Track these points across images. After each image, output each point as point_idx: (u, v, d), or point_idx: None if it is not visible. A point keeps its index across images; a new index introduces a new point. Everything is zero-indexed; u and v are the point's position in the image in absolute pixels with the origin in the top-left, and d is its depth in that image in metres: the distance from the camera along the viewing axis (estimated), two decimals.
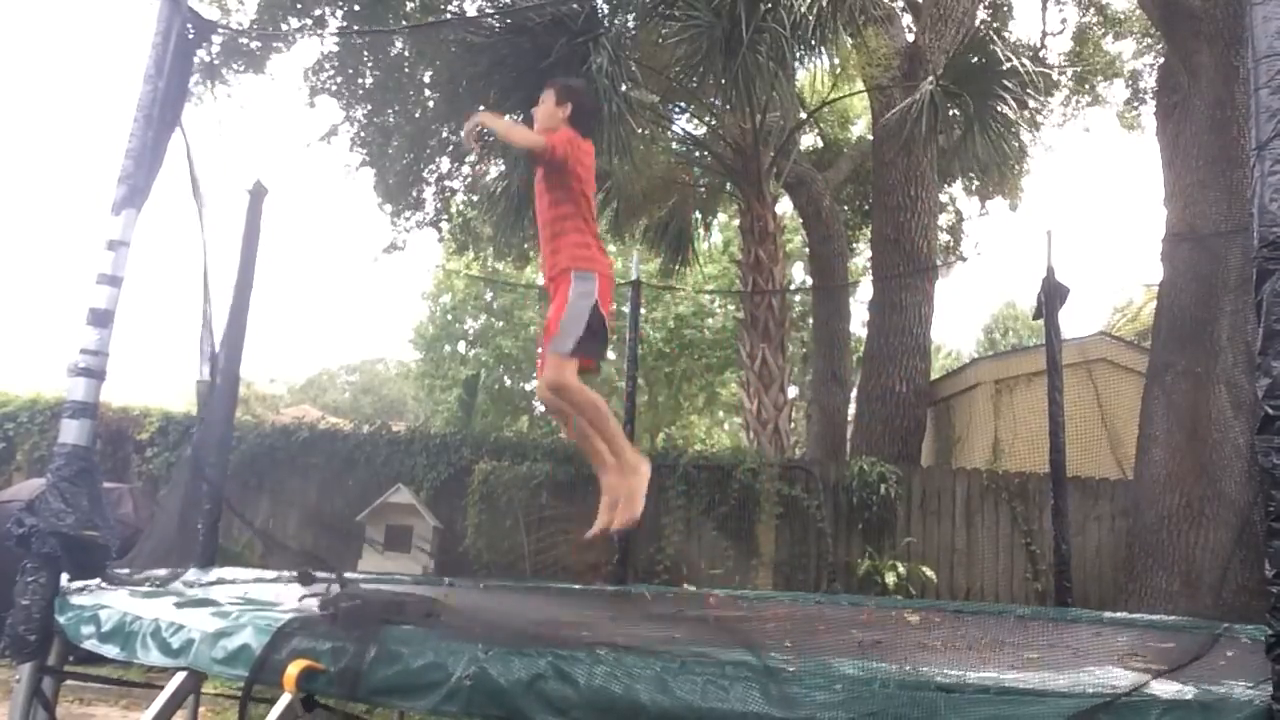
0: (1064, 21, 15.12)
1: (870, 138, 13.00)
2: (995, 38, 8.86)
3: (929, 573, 7.98)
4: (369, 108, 11.37)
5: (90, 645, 2.39)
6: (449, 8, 10.65)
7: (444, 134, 11.25)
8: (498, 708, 1.78)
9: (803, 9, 8.16)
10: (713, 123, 11.61)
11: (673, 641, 2.42)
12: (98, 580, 2.68)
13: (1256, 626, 3.22)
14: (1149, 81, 14.11)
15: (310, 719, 2.02)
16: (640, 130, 9.13)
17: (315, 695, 2.00)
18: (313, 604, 2.21)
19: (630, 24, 9.39)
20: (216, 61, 10.31)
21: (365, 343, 74.69)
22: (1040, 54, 14.23)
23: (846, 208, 15.64)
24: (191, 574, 3.51)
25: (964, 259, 18.42)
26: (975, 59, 8.66)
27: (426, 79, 11.07)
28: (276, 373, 36.50)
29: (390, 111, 11.22)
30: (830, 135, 16.00)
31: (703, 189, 12.67)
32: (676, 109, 11.74)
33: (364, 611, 2.07)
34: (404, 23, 10.06)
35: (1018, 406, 10.16)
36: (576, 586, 5.48)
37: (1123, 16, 14.52)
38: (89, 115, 69.84)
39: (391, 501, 7.88)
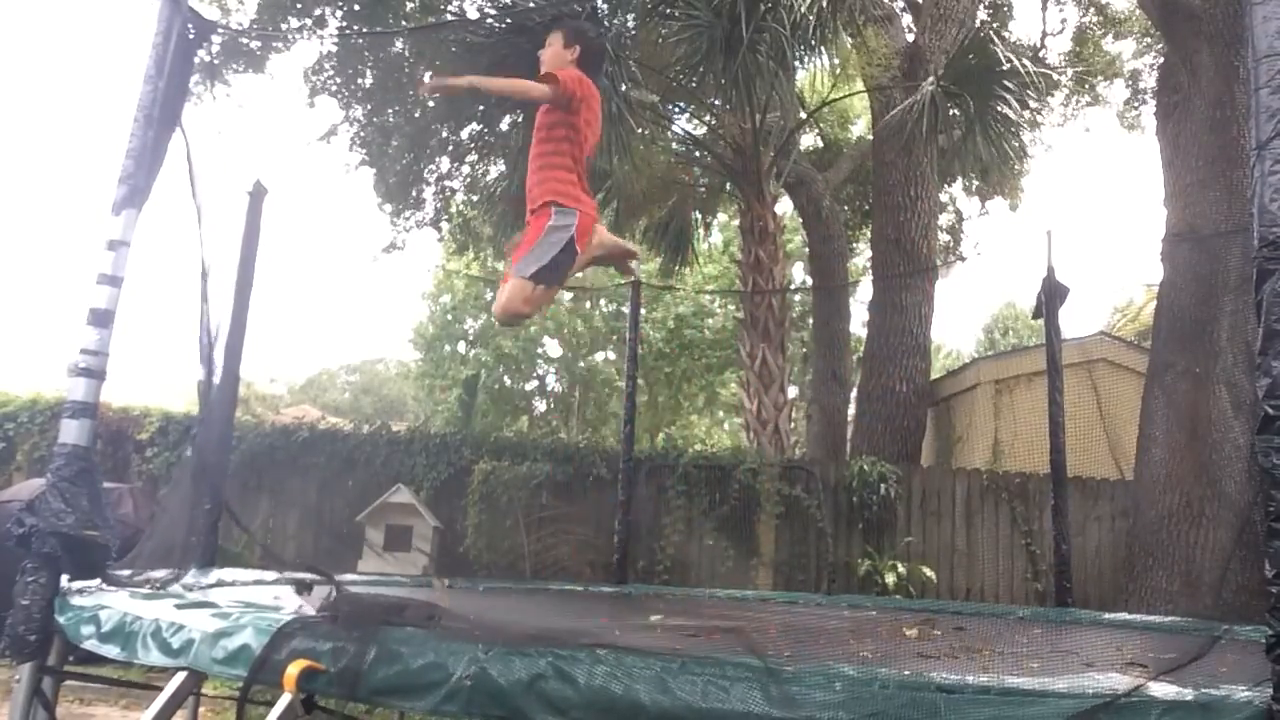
0: (1064, 21, 15.14)
1: (870, 138, 12.99)
2: (995, 38, 8.86)
3: (929, 573, 7.99)
4: (369, 107, 11.36)
5: (90, 645, 2.38)
6: (449, 8, 10.65)
7: (444, 134, 11.25)
8: (498, 708, 1.78)
9: (803, 9, 8.16)
10: (713, 123, 11.61)
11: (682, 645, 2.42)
12: (98, 581, 2.68)
13: (1256, 627, 3.22)
14: (1149, 81, 14.13)
15: None
16: (640, 130, 9.14)
17: (315, 695, 2.00)
18: (311, 608, 2.22)
19: (630, 24, 9.39)
20: (216, 61, 10.31)
21: (365, 343, 74.80)
22: (1040, 54, 14.24)
23: (846, 208, 15.64)
24: (191, 575, 3.51)
25: (964, 259, 18.45)
26: (975, 59, 8.66)
27: (427, 79, 11.06)
28: (276, 373, 36.57)
29: (390, 111, 11.21)
30: (830, 135, 16.00)
31: (703, 189, 12.67)
32: (676, 109, 11.75)
33: (364, 612, 2.07)
34: (404, 23, 10.06)
35: (1018, 406, 10.17)
36: (578, 587, 5.47)
37: (1123, 16, 14.53)
38: (90, 115, 69.86)
39: (391, 501, 7.88)
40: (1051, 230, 5.50)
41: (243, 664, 2.00)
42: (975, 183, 15.06)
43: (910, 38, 11.67)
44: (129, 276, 2.85)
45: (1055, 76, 13.82)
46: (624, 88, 8.20)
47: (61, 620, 2.50)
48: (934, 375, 12.04)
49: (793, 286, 17.52)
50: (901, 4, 12.50)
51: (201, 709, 3.84)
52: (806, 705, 1.61)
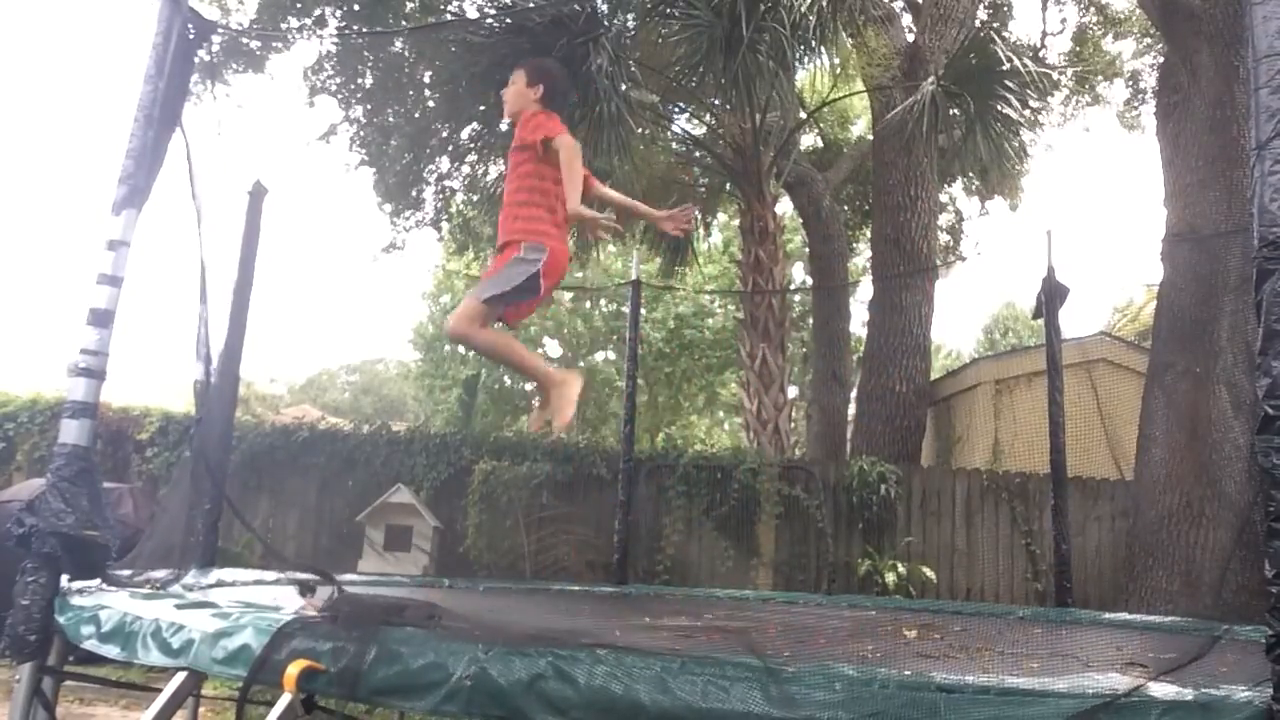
0: (1064, 21, 15.14)
1: (870, 138, 13.00)
2: (995, 38, 8.86)
3: (929, 573, 7.99)
4: (369, 107, 11.37)
5: (90, 645, 2.38)
6: (449, 8, 10.65)
7: (444, 134, 11.26)
8: (498, 708, 1.78)
9: (803, 9, 8.16)
10: (713, 123, 11.61)
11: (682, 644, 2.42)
12: (98, 581, 2.68)
13: (1256, 627, 3.22)
14: (1149, 81, 14.13)
15: None
16: (640, 130, 9.14)
17: (315, 695, 2.00)
18: (312, 609, 2.21)
19: (630, 24, 9.40)
20: (216, 61, 10.31)
21: (365, 343, 74.86)
22: (1040, 54, 14.24)
23: (846, 208, 15.64)
24: (191, 575, 3.51)
25: (964, 259, 18.46)
26: (975, 59, 8.66)
27: (426, 79, 11.07)
28: (276, 373, 36.60)
29: (390, 111, 11.22)
30: (830, 135, 16.00)
31: (703, 189, 12.67)
32: (676, 109, 11.75)
33: (364, 612, 2.07)
34: (404, 23, 10.06)
35: (1018, 406, 10.17)
36: (577, 587, 5.47)
37: (1123, 16, 14.53)
38: (90, 115, 69.86)
39: (391, 501, 7.88)
40: (1051, 230, 5.51)
41: (243, 664, 2.00)
42: (975, 183, 15.05)
43: (910, 38, 11.66)
44: (129, 276, 2.85)
45: (1055, 76, 13.81)
46: (624, 88, 8.20)
47: (61, 620, 2.50)
48: (934, 375, 12.03)
49: (793, 286, 17.52)
50: (901, 4, 12.50)
51: (201, 709, 3.84)
52: (806, 705, 1.61)
